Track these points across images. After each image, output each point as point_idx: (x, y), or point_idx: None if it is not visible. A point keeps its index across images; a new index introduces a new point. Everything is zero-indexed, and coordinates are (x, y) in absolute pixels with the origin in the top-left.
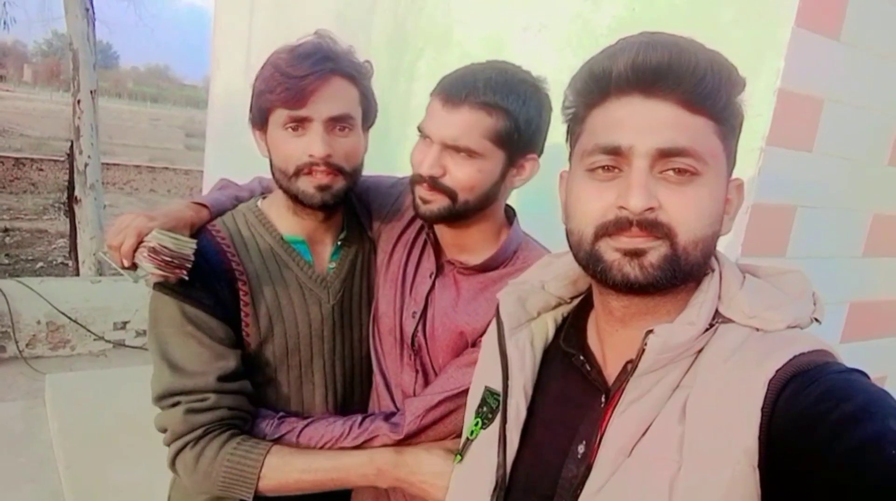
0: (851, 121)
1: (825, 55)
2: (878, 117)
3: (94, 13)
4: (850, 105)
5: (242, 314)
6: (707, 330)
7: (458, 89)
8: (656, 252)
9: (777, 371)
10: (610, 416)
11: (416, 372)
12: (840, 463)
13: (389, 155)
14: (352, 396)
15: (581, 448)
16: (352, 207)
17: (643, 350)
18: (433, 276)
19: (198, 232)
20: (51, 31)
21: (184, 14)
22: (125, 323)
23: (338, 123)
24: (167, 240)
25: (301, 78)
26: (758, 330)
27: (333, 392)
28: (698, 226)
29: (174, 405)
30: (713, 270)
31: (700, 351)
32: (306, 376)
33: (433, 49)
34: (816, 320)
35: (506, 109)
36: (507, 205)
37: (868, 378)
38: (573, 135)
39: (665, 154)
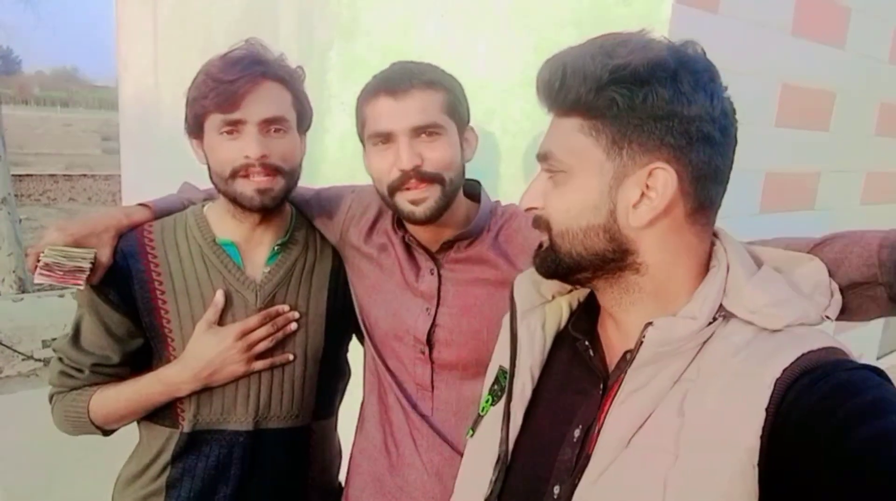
0: (738, 89)
1: (707, 27)
2: (762, 83)
3: None
4: (735, 73)
5: (162, 312)
6: (712, 323)
7: (399, 80)
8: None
9: (784, 369)
10: (609, 406)
11: (431, 364)
12: (844, 460)
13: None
14: (279, 401)
15: (577, 433)
16: (300, 213)
17: (641, 341)
18: (435, 272)
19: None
20: None
21: (87, 11)
22: (54, 339)
23: (272, 125)
24: (57, 257)
25: (232, 82)
26: (756, 326)
27: (256, 394)
28: (563, 220)
29: (59, 360)
30: (718, 263)
31: (704, 343)
32: None
33: (341, 38)
34: (828, 317)
35: (444, 84)
36: (473, 180)
37: (882, 375)
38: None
39: (540, 158)
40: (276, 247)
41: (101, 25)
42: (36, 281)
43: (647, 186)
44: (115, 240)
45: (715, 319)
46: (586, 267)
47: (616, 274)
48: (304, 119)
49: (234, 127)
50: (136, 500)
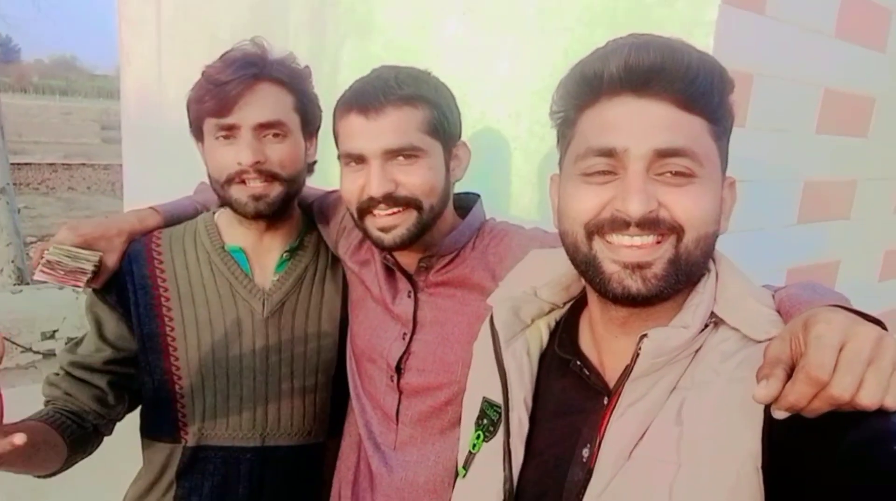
0: (780, 94)
1: (752, 30)
2: (805, 88)
3: None
4: (779, 78)
5: (165, 319)
6: (703, 330)
7: (372, 96)
8: (661, 261)
9: None
10: (608, 420)
11: (399, 393)
12: (843, 459)
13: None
14: (289, 416)
15: (585, 452)
16: (310, 218)
17: (637, 354)
18: (412, 295)
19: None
20: None
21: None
22: (54, 331)
23: (268, 129)
24: (61, 255)
25: (225, 84)
26: (741, 333)
27: (263, 410)
28: (701, 224)
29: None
30: (709, 271)
31: (697, 351)
32: (234, 389)
33: (355, 36)
34: None
35: (426, 98)
36: (473, 193)
37: None
38: (564, 139)
39: (662, 155)
40: (284, 254)
41: (101, 13)
42: (36, 278)
43: (722, 198)
44: (126, 245)
45: (706, 326)
46: (696, 276)
47: (687, 289)
48: (310, 121)
49: (229, 131)
50: None
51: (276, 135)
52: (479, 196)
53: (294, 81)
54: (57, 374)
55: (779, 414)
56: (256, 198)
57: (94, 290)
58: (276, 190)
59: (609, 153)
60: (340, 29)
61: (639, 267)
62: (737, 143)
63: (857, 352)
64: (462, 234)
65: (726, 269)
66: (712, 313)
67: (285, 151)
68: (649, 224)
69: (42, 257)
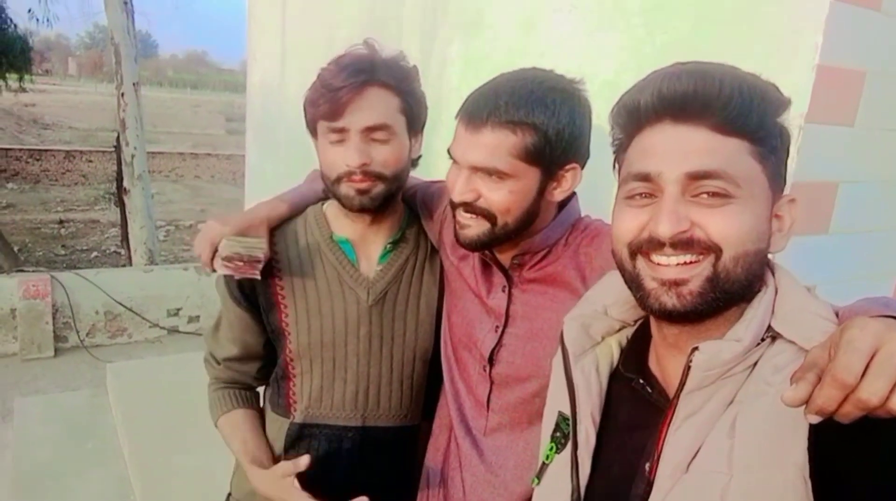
0: (894, 92)
1: (866, 27)
2: None
3: (132, 6)
4: (893, 76)
5: (281, 306)
6: (760, 344)
7: (479, 110)
8: (699, 278)
9: None
10: (665, 434)
11: (491, 382)
12: (889, 467)
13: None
14: (388, 399)
15: (647, 466)
16: (413, 211)
17: (688, 367)
18: (506, 289)
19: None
20: (92, 24)
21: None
22: (178, 309)
23: (374, 132)
24: (237, 247)
25: (337, 90)
26: (798, 345)
27: (365, 392)
28: (738, 243)
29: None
30: (766, 285)
31: (754, 365)
32: (339, 372)
33: (464, 34)
34: None
35: (532, 124)
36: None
37: None
38: (619, 163)
39: (694, 177)
40: (388, 246)
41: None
42: (220, 271)
43: (778, 215)
44: (268, 233)
45: (763, 340)
46: (744, 294)
47: (742, 303)
48: (415, 120)
49: (340, 134)
50: (250, 490)
51: (382, 137)
52: (575, 193)
53: (401, 84)
54: (219, 363)
55: (811, 418)
56: (362, 193)
57: (225, 287)
58: (379, 187)
59: (646, 177)
60: (450, 27)
61: (675, 284)
62: (844, 143)
63: (888, 357)
64: (554, 231)
65: (786, 284)
66: (770, 327)
67: (390, 152)
68: (683, 244)
69: (214, 253)
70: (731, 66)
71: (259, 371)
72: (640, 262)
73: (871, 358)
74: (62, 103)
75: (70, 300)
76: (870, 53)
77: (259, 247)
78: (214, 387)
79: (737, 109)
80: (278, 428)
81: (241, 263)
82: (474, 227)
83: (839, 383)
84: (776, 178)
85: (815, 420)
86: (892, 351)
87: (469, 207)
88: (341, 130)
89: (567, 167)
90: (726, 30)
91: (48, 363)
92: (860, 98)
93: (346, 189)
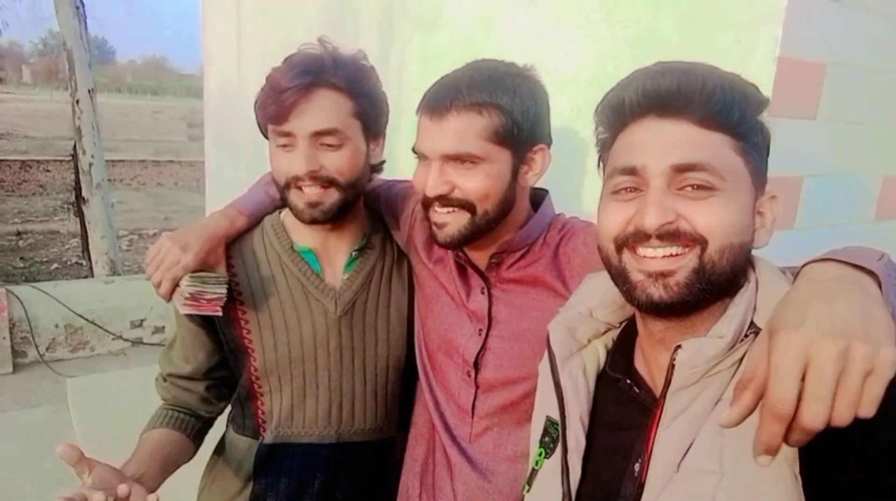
0: (856, 85)
1: (826, 18)
2: (883, 77)
3: (84, 10)
4: (854, 67)
5: (241, 322)
6: (745, 340)
7: (441, 99)
8: (685, 270)
9: None
10: (655, 433)
11: (476, 388)
12: (874, 460)
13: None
14: (363, 412)
15: (636, 467)
16: (376, 215)
17: (672, 365)
18: (485, 291)
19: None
20: (46, 31)
21: (174, 2)
22: (142, 320)
23: (324, 137)
24: (199, 285)
25: (283, 92)
26: None
27: (339, 407)
28: (723, 235)
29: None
30: (748, 281)
31: (740, 361)
32: (310, 389)
33: (423, 32)
34: None
35: (496, 104)
36: (541, 189)
37: None
38: (603, 161)
39: (680, 170)
40: (353, 254)
41: (188, 13)
42: (182, 312)
43: (760, 212)
44: (224, 251)
45: (747, 335)
46: (729, 287)
47: (725, 299)
48: (372, 124)
49: (287, 138)
50: None
51: (332, 142)
52: (547, 191)
53: (355, 85)
54: (165, 380)
55: (761, 460)
56: (312, 206)
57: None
58: (332, 197)
59: (631, 171)
60: (408, 24)
61: (662, 275)
62: (806, 136)
63: (818, 374)
64: (532, 230)
65: (767, 277)
66: (753, 323)
67: (343, 158)
68: (668, 235)
69: (175, 288)
70: (711, 65)
71: (207, 390)
72: (627, 256)
73: (803, 380)
74: (16, 112)
75: (28, 314)
76: (829, 45)
77: (221, 284)
78: (159, 408)
79: (719, 104)
80: (246, 450)
81: (204, 302)
82: (453, 223)
83: (777, 416)
84: (758, 174)
85: (767, 461)
86: (821, 366)
87: (445, 200)
88: (288, 134)
89: (535, 148)
90: (686, 23)
91: (6, 379)
92: (821, 91)
93: (295, 199)
